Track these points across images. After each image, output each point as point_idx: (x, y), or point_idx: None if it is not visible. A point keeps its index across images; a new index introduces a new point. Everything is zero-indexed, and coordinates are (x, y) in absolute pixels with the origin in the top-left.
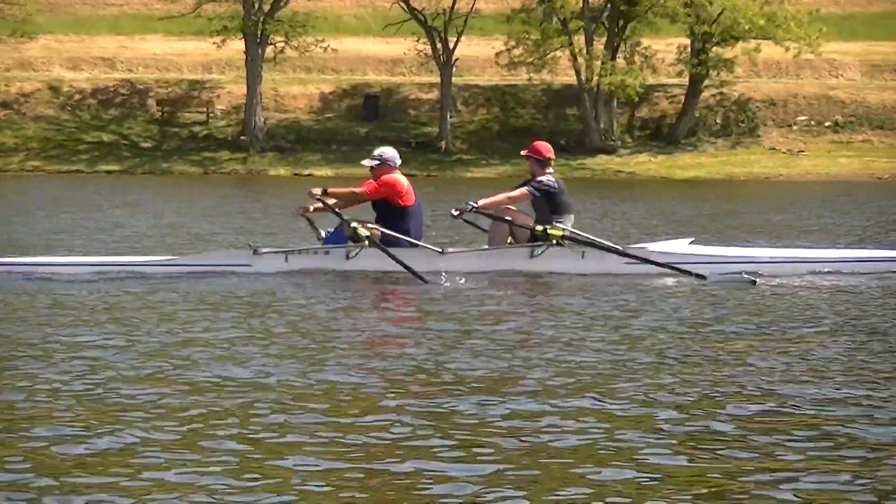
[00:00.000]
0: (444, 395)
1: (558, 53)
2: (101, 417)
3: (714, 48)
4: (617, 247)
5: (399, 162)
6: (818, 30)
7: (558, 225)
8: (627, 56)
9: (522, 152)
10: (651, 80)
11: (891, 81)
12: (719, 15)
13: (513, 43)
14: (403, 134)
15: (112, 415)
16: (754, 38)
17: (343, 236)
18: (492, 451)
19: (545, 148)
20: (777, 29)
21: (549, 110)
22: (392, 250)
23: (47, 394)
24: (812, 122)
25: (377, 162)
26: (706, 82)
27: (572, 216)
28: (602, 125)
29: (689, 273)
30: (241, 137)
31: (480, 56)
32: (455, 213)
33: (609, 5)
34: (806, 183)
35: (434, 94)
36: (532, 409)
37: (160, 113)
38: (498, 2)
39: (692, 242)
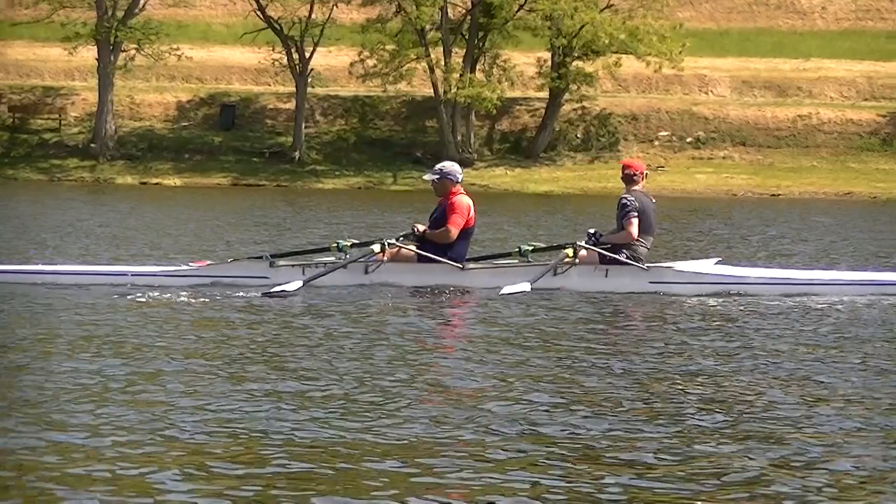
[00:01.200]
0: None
1: (415, 65)
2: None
3: (575, 62)
4: (640, 265)
5: (461, 176)
6: (681, 45)
7: (579, 244)
8: (486, 69)
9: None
10: (514, 94)
11: (760, 98)
12: (581, 29)
13: (367, 54)
14: (258, 144)
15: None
16: (615, 53)
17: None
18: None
19: (638, 163)
20: (638, 43)
21: (408, 122)
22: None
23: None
24: (674, 138)
25: (437, 176)
26: (567, 96)
27: (651, 238)
28: (459, 138)
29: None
30: (91, 145)
31: (343, 67)
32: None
33: (468, 17)
34: (659, 199)
35: (292, 105)
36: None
37: (11, 119)
38: (358, 12)
39: (718, 262)
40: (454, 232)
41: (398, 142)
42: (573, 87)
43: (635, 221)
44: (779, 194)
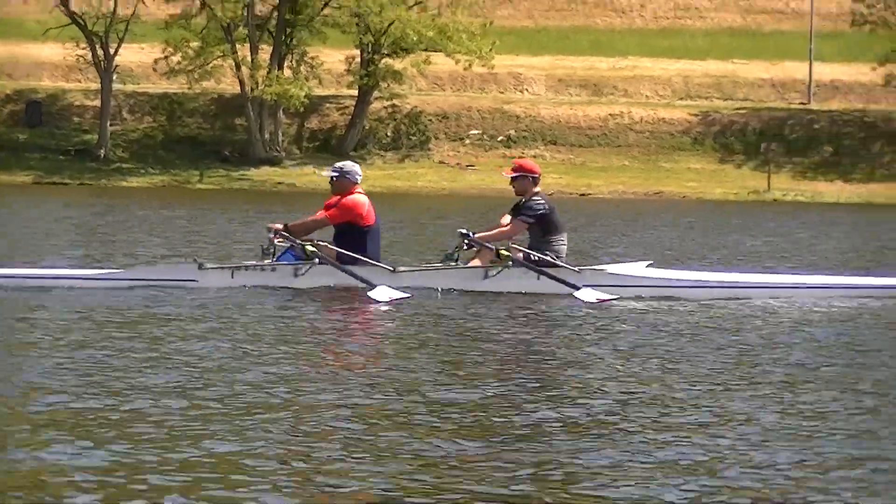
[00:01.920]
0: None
1: (222, 62)
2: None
3: (384, 60)
4: (573, 268)
5: (360, 177)
6: (492, 42)
7: (514, 246)
8: (294, 66)
9: (507, 173)
10: (325, 92)
11: (575, 97)
12: (389, 26)
13: (171, 50)
14: (64, 141)
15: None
16: (425, 51)
17: (292, 255)
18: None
19: (535, 164)
20: (448, 41)
21: (217, 120)
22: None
23: None
24: (485, 137)
25: (336, 174)
26: (377, 94)
27: (565, 234)
28: (267, 136)
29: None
30: None
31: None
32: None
33: (275, 13)
34: (468, 197)
35: (99, 101)
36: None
37: None
38: (159, 8)
39: (649, 265)
40: (323, 220)
41: (206, 140)
42: (383, 84)
43: (523, 224)
44: (588, 194)
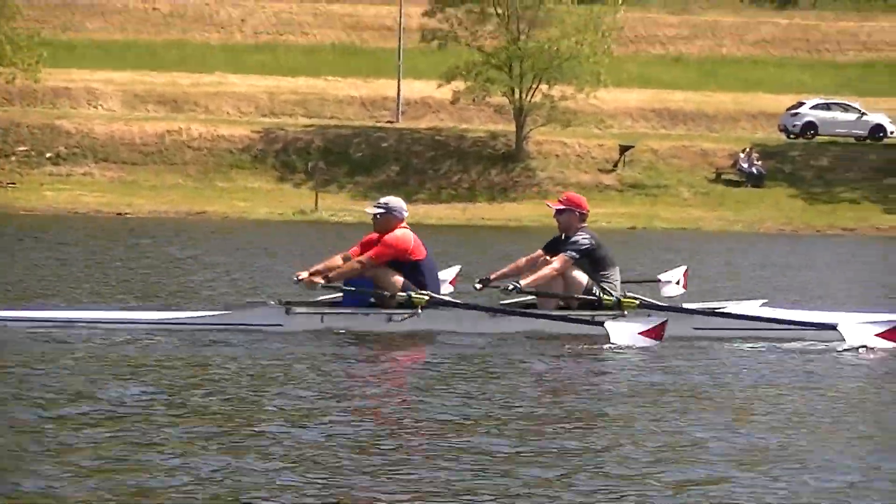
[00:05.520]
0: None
1: None
2: None
3: None
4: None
5: (406, 213)
6: (39, 55)
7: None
8: None
9: (553, 205)
10: None
11: (152, 112)
12: None
13: None
14: None
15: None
16: None
17: (356, 297)
18: None
19: (584, 200)
20: None
21: None
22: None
23: None
24: (32, 153)
25: (382, 210)
26: None
27: (617, 268)
28: None
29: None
30: None
31: None
32: (478, 286)
33: None
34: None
35: None
36: None
37: None
38: None
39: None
40: (369, 262)
41: None
42: None
43: (568, 259)
44: (126, 213)
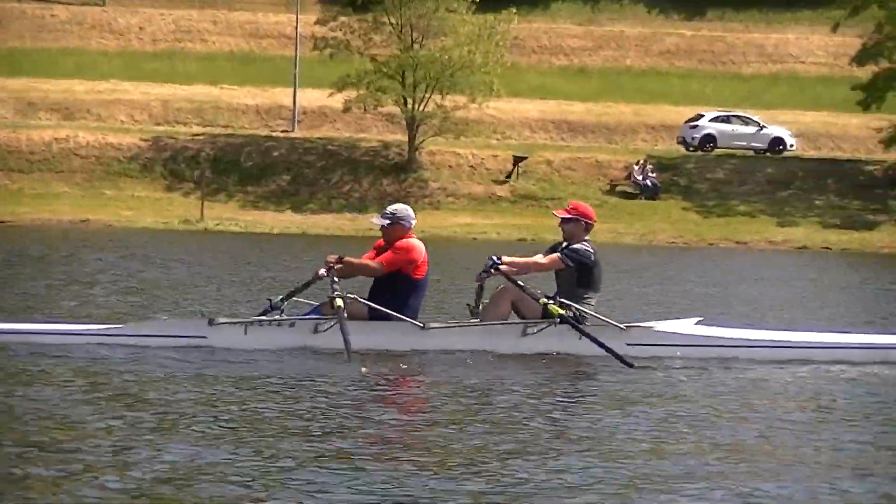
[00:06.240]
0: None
1: None
2: None
3: None
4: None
5: (414, 222)
6: None
7: (565, 302)
8: None
9: (560, 213)
10: None
11: (45, 120)
12: None
13: None
14: None
15: None
16: None
17: (318, 312)
18: None
19: (591, 210)
20: None
21: None
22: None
23: None
24: None
25: (388, 221)
26: None
27: (599, 294)
28: None
29: (622, 361)
30: None
31: None
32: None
33: None
34: None
35: None
36: None
37: None
38: None
39: (698, 323)
40: (378, 268)
41: None
42: None
43: (559, 261)
44: (7, 221)
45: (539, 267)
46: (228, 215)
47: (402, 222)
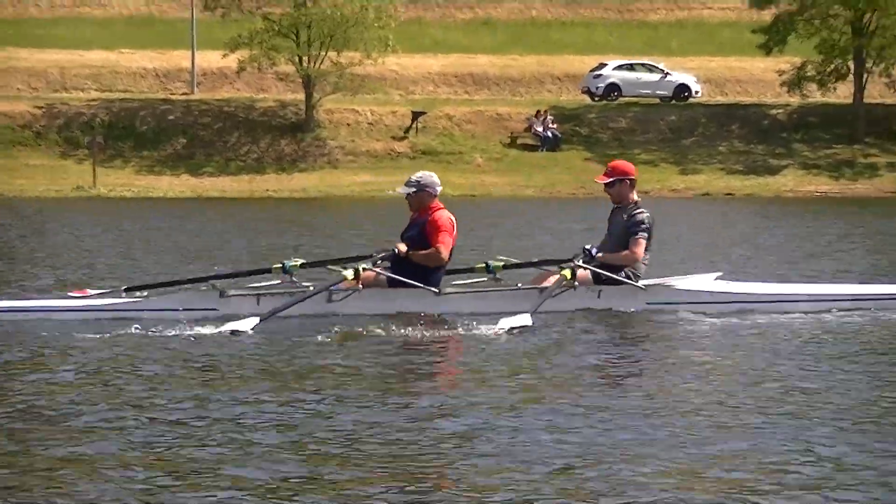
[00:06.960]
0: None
1: None
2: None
3: None
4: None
5: (440, 188)
6: None
7: (578, 264)
8: None
9: (601, 179)
10: None
11: None
12: None
13: None
14: None
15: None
16: None
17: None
18: None
19: (630, 165)
20: None
21: None
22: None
23: None
24: None
25: (414, 189)
26: None
27: (649, 254)
28: None
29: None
30: None
31: None
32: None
33: None
34: None
35: None
36: None
37: None
38: None
39: (718, 278)
40: (445, 253)
41: None
42: None
43: (644, 242)
44: None
45: (635, 259)
46: (123, 181)
47: (427, 189)
